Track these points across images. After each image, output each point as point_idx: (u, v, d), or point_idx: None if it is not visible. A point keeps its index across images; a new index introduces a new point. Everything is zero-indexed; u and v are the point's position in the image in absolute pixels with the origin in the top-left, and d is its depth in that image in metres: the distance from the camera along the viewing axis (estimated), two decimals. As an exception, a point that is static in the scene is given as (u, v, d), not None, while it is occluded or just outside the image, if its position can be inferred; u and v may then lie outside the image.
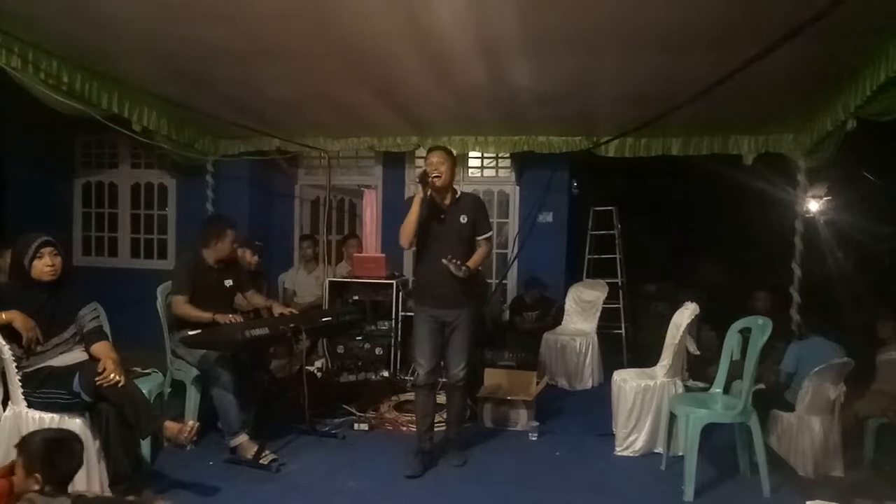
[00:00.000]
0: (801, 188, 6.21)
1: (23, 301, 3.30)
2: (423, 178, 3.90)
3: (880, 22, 3.45)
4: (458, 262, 3.86)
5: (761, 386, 4.41)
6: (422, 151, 7.40)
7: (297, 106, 5.70)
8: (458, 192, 4.15)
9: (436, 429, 4.52)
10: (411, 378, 5.09)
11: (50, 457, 2.55)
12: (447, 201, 4.06)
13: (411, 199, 4.04)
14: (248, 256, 5.46)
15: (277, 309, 4.64)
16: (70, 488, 2.75)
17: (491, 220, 4.50)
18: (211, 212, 7.17)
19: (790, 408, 4.18)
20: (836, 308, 6.42)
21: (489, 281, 7.43)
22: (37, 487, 2.54)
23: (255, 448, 4.05)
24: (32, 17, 3.89)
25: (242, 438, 4.09)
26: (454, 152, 4.25)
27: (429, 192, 3.94)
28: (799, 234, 6.21)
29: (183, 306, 4.32)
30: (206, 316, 4.24)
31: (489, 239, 4.17)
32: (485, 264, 7.50)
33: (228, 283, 4.60)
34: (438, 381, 4.28)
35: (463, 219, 4.02)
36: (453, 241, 3.99)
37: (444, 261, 3.84)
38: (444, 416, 4.48)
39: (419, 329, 4.08)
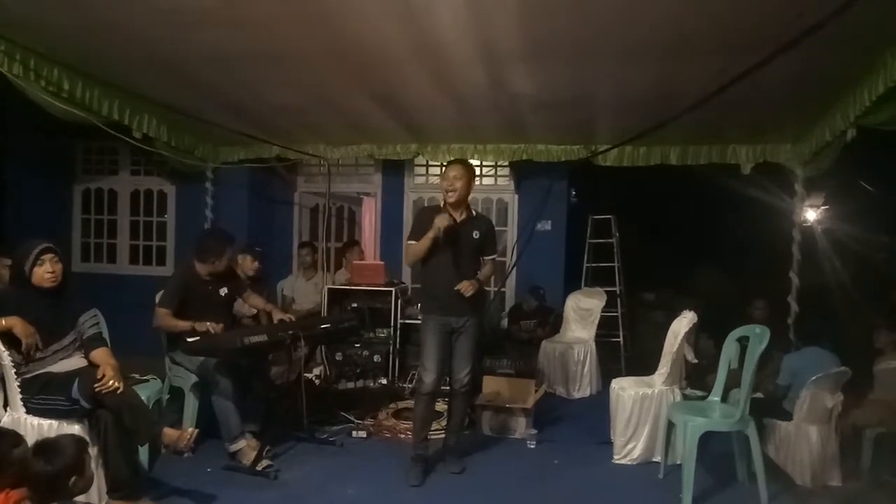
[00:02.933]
0: (798, 197, 6.24)
1: (23, 307, 3.30)
2: (448, 231, 3.93)
3: (879, 31, 3.47)
4: (468, 283, 3.96)
5: (759, 395, 4.41)
6: (421, 160, 7.43)
7: (298, 112, 5.72)
8: (474, 212, 4.28)
9: (433, 436, 4.55)
10: (410, 385, 5.09)
11: (26, 465, 2.54)
12: (463, 216, 4.13)
13: (427, 209, 4.17)
14: (249, 262, 5.47)
15: (277, 315, 4.65)
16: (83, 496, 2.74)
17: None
18: (210, 219, 7.18)
19: (788, 416, 4.19)
20: (833, 317, 6.43)
21: (487, 289, 7.43)
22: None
23: (255, 453, 4.05)
24: (34, 24, 3.91)
25: (242, 444, 4.10)
26: (472, 165, 4.33)
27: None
28: (796, 243, 6.24)
29: (165, 318, 4.29)
30: (184, 325, 4.20)
31: (493, 261, 4.28)
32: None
33: (223, 291, 4.58)
34: (442, 390, 4.27)
35: (475, 234, 4.12)
36: (463, 255, 4.08)
37: (455, 289, 3.92)
38: (444, 423, 4.47)
39: (427, 336, 4.09)
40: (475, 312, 4.16)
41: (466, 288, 3.94)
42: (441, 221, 3.90)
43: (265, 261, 5.73)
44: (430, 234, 3.93)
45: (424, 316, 4.17)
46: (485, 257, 4.21)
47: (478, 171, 7.62)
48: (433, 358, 4.05)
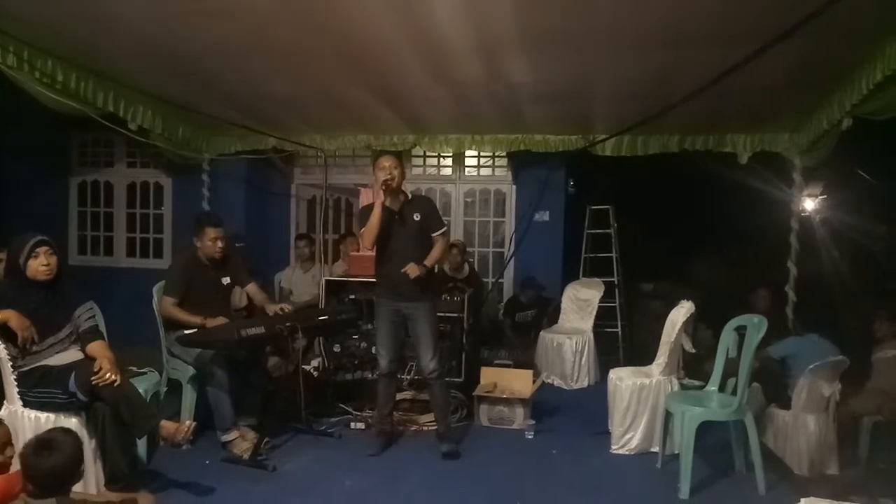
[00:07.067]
0: (796, 187, 6.24)
1: (18, 300, 3.29)
2: (386, 185, 4.08)
3: (876, 20, 3.46)
4: (414, 266, 4.08)
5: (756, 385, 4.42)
6: (418, 150, 7.42)
7: (294, 102, 5.70)
8: (409, 195, 4.39)
9: (427, 428, 4.68)
10: (408, 376, 5.11)
11: (26, 458, 2.53)
12: (400, 203, 4.23)
13: (367, 206, 4.27)
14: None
15: (270, 308, 4.61)
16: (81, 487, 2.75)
17: (446, 219, 4.83)
18: (208, 210, 7.15)
19: (787, 405, 4.20)
20: (831, 306, 6.44)
21: (485, 280, 7.44)
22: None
23: (248, 444, 4.07)
24: (27, 15, 3.89)
25: (235, 434, 4.11)
26: (402, 155, 4.53)
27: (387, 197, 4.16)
28: (795, 232, 6.24)
29: (170, 309, 4.32)
30: (195, 321, 4.23)
31: (444, 234, 4.38)
32: (481, 263, 7.55)
33: (226, 280, 4.59)
34: (400, 371, 4.73)
35: (416, 216, 4.23)
36: (409, 239, 4.21)
37: (402, 271, 4.08)
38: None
39: (380, 321, 4.32)
40: (427, 298, 4.27)
41: (412, 270, 4.06)
42: (381, 174, 4.05)
43: (247, 256, 5.72)
44: (377, 203, 4.09)
45: (377, 301, 4.37)
46: (434, 234, 4.28)
47: (475, 162, 7.68)
48: (385, 342, 4.29)
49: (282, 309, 4.55)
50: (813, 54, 3.92)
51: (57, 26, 4.03)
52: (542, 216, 7.40)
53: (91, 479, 3.22)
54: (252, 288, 4.76)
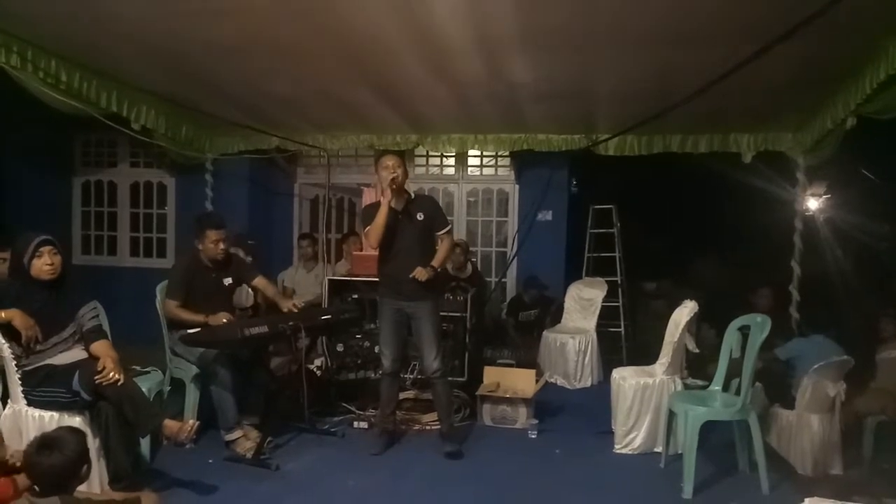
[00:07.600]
0: (800, 186, 6.23)
1: (22, 300, 3.30)
2: (394, 184, 4.07)
3: (880, 19, 3.45)
4: (422, 269, 4.07)
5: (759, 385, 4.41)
6: (421, 150, 7.42)
7: (296, 102, 5.70)
8: (413, 194, 4.40)
9: (430, 427, 4.69)
10: (411, 376, 5.11)
11: (29, 457, 2.54)
12: (403, 202, 4.23)
13: (372, 205, 4.27)
14: (241, 256, 5.46)
15: (283, 303, 4.59)
16: (85, 487, 2.76)
17: (449, 218, 4.69)
18: (210, 210, 7.16)
19: (793, 405, 4.19)
20: (835, 306, 6.42)
21: (488, 279, 7.43)
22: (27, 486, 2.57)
23: (251, 443, 4.07)
24: (31, 15, 3.89)
25: (238, 434, 4.12)
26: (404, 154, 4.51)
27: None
28: (798, 232, 6.23)
29: (174, 311, 4.32)
30: (198, 319, 4.22)
31: (449, 232, 4.36)
32: (484, 263, 7.55)
33: (227, 281, 4.58)
34: (403, 370, 4.71)
35: (420, 216, 4.22)
36: (413, 238, 4.20)
37: (410, 276, 4.07)
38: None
39: (383, 320, 4.34)
40: (430, 298, 4.26)
41: (421, 275, 4.07)
42: (386, 173, 4.03)
43: (257, 254, 5.74)
44: (384, 202, 4.05)
45: (380, 300, 4.39)
46: (438, 233, 4.29)
47: (478, 162, 7.68)
48: (388, 341, 4.31)
49: (294, 306, 4.54)
50: (816, 54, 3.91)
51: (58, 26, 4.04)
52: (545, 216, 7.40)
53: (94, 478, 3.21)
54: (261, 282, 4.77)
